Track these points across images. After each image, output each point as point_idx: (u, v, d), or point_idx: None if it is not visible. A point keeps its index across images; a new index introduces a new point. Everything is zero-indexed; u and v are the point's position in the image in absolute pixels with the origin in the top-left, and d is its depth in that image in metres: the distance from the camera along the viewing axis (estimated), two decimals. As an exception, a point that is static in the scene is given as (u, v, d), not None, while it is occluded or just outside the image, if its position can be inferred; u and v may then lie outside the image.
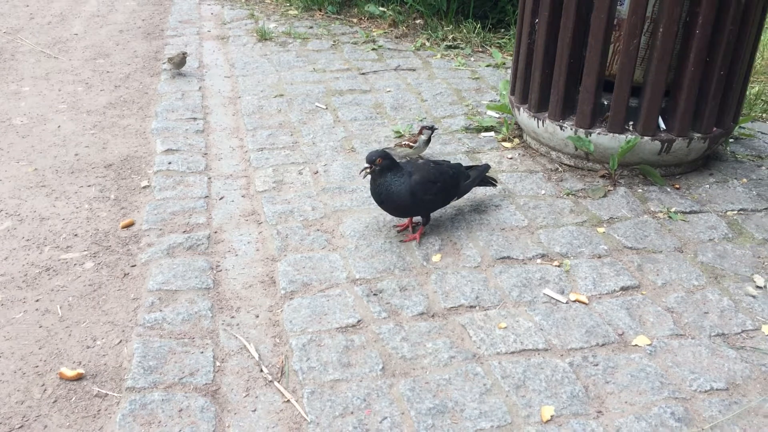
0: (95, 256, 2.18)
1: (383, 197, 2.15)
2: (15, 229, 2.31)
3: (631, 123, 2.58)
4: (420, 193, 2.14)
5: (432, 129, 2.67)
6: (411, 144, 2.64)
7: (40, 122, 3.11)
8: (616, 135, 2.54)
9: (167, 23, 4.62)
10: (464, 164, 2.45)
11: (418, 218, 2.29)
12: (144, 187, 2.58)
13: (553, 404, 1.61)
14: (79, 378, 1.70)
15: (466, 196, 2.39)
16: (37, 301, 1.97)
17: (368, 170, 2.11)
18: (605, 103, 2.59)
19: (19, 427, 1.56)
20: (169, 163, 2.71)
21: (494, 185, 2.46)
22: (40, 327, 1.87)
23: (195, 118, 3.13)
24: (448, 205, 2.33)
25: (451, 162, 2.34)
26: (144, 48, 4.16)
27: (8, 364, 1.73)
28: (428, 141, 2.69)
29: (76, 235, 2.28)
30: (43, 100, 3.34)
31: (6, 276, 2.07)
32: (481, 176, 2.38)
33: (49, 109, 3.24)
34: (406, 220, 2.30)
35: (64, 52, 4.05)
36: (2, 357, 1.76)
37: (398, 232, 2.28)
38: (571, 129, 2.62)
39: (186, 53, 3.66)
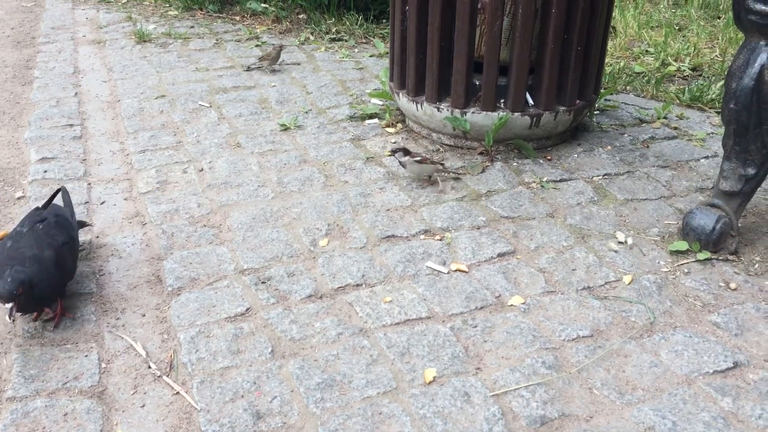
0: (-32, 271, 2.08)
1: None
2: None
3: (502, 101, 2.72)
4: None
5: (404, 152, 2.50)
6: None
7: None
8: (489, 113, 2.68)
9: (39, 30, 4.43)
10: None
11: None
12: (19, 198, 2.48)
13: (436, 366, 1.69)
14: (-45, 396, 1.64)
15: None
16: None
17: (15, 308, 1.70)
18: (477, 83, 2.72)
19: None
20: (45, 171, 2.62)
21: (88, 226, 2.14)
22: None
23: (72, 125, 3.03)
24: None
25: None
26: (14, 57, 3.97)
27: None
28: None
29: (-55, 252, 2.17)
30: None
31: None
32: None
33: None
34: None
35: (-75, 65, 3.81)
36: None
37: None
38: (448, 110, 2.73)
39: (282, 46, 3.69)
